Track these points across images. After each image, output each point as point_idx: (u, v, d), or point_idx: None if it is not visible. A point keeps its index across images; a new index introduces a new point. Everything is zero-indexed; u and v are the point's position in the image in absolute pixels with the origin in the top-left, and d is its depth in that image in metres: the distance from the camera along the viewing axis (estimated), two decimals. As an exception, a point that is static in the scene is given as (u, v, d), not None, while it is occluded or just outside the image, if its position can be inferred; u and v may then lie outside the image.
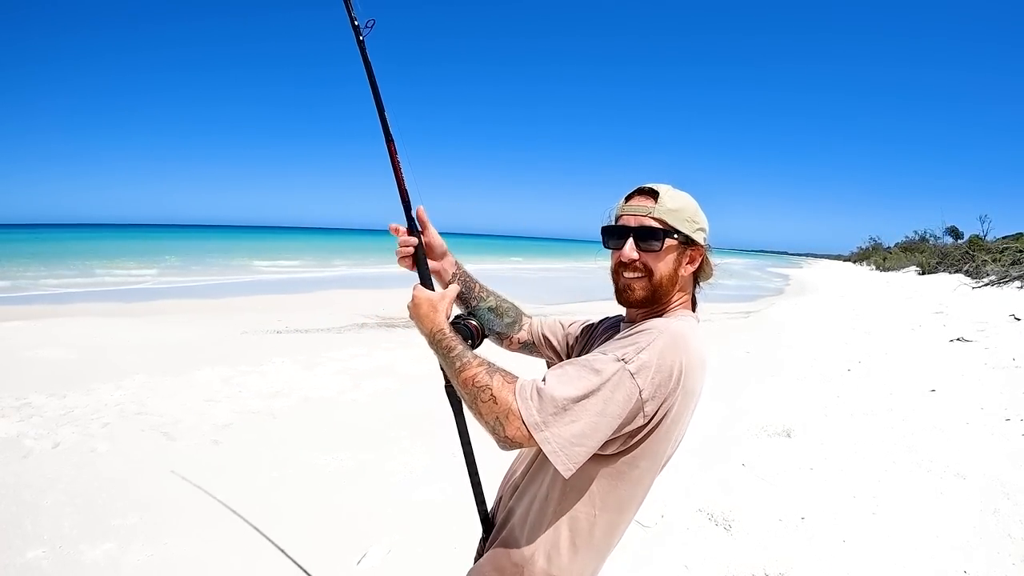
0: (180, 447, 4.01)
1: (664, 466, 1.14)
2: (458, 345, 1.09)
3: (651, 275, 1.12)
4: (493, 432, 0.99)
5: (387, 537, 2.89)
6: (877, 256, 43.43)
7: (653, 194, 1.13)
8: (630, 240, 1.12)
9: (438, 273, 1.32)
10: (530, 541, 1.10)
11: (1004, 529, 2.87)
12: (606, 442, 1.00)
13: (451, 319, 1.18)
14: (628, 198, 1.16)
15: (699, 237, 1.15)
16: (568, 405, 0.95)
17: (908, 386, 5.64)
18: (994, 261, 18.35)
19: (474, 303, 1.38)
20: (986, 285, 15.10)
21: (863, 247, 57.43)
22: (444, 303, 1.16)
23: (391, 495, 3.37)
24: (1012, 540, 2.77)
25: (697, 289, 1.23)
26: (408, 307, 1.18)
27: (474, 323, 1.26)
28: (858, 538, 2.84)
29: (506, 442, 0.98)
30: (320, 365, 6.46)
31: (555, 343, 1.42)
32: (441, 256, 1.33)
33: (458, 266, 1.36)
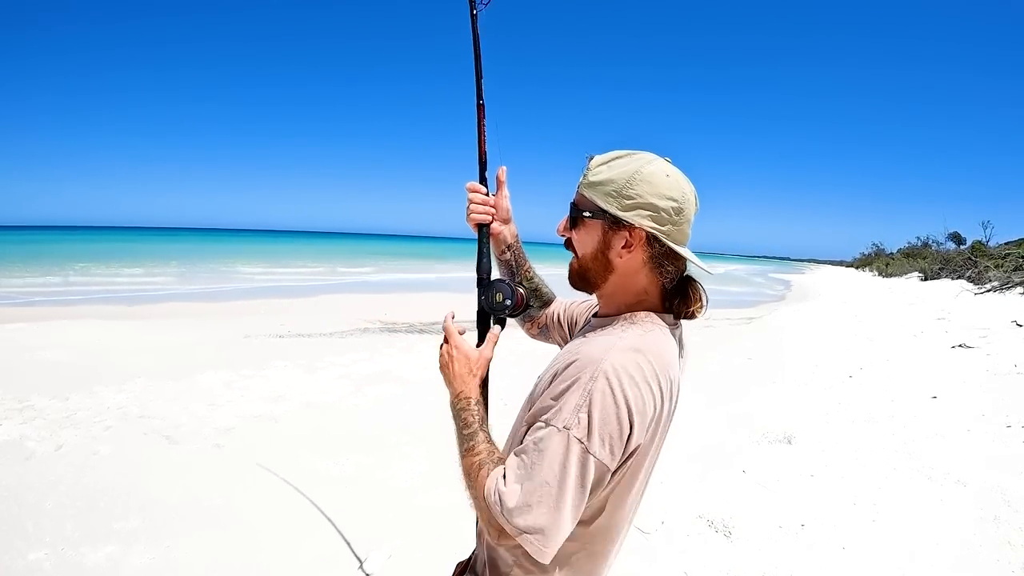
0: (182, 451, 4.03)
1: (644, 486, 1.07)
2: (475, 422, 1.02)
3: (577, 256, 1.05)
4: (488, 532, 0.94)
5: (388, 542, 2.89)
6: (879, 262, 43.37)
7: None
8: (565, 216, 1.06)
9: (496, 236, 1.30)
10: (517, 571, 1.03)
11: (1004, 536, 2.86)
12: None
13: (496, 280, 1.16)
14: None
15: (631, 216, 0.96)
16: (531, 500, 0.87)
17: (909, 393, 5.63)
18: (996, 267, 18.30)
19: (518, 279, 1.34)
20: (988, 291, 15.06)
21: (865, 253, 57.38)
22: (481, 368, 1.09)
23: (392, 500, 3.38)
24: (1012, 547, 2.76)
25: (667, 281, 1.02)
26: (441, 353, 1.11)
27: (521, 291, 1.17)
28: (858, 545, 2.84)
29: (494, 538, 0.93)
30: (322, 370, 6.47)
31: (564, 327, 1.36)
32: (505, 220, 1.30)
33: (516, 237, 1.33)
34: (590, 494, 0.91)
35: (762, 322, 13.16)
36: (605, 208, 0.98)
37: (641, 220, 0.96)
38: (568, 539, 0.93)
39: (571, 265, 1.07)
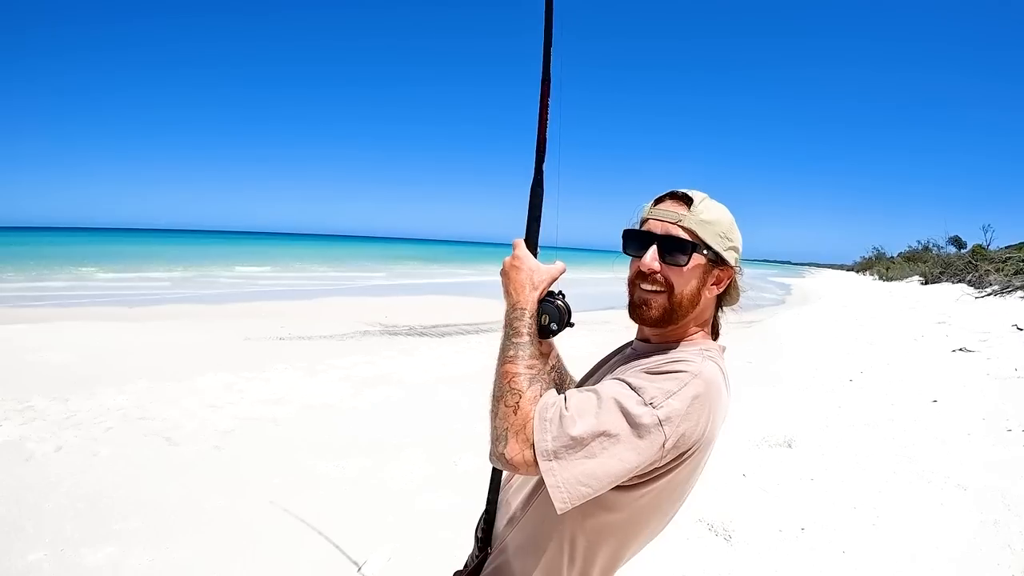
0: (182, 452, 4.03)
1: (679, 507, 1.08)
2: (527, 334, 0.98)
3: (671, 291, 0.99)
4: (494, 441, 0.92)
5: (388, 544, 2.89)
6: (880, 266, 43.39)
7: (687, 200, 1.01)
8: (653, 249, 0.99)
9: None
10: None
11: (1004, 540, 2.86)
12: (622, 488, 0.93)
13: (544, 301, 1.04)
14: (658, 201, 1.04)
15: (731, 257, 1.02)
16: (585, 440, 0.86)
17: (910, 396, 5.63)
18: (997, 271, 18.31)
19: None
20: (989, 295, 15.07)
21: (866, 257, 57.41)
22: (545, 279, 1.03)
23: (392, 503, 3.38)
24: (1012, 551, 2.76)
25: (720, 313, 1.11)
26: (504, 263, 1.05)
27: (563, 304, 1.06)
28: (858, 549, 2.84)
29: (500, 459, 0.91)
30: (322, 372, 6.47)
31: None
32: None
33: (558, 358, 1.22)
34: (632, 476, 0.90)
35: (762, 326, 13.15)
36: (715, 247, 1.00)
37: (734, 261, 1.04)
38: (597, 542, 0.99)
39: (652, 301, 1.01)
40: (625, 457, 0.87)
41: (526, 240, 1.08)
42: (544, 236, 1.11)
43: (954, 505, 3.26)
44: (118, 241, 59.54)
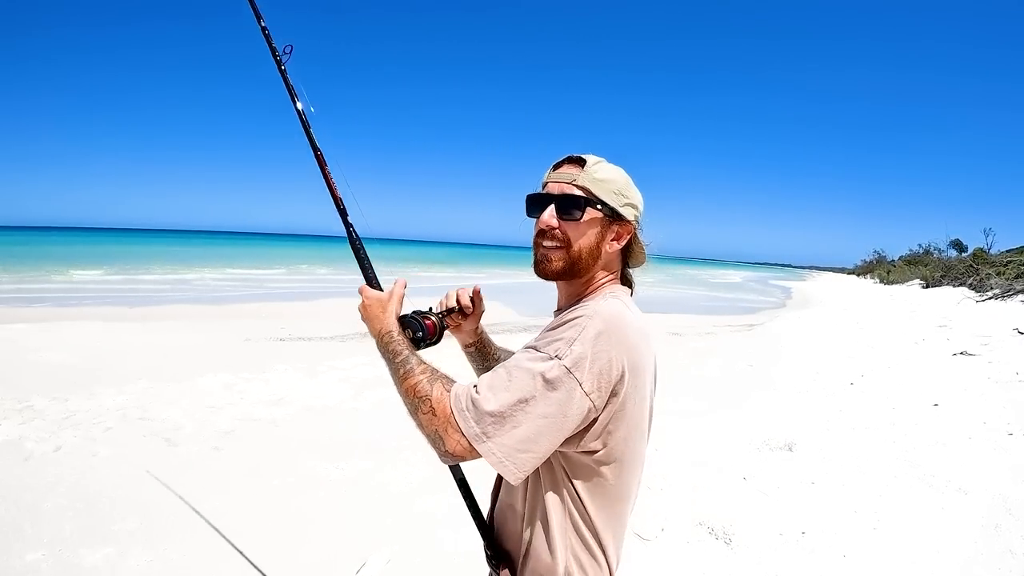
0: (181, 453, 4.02)
1: (646, 440, 1.10)
2: (404, 350, 1.05)
3: (569, 246, 1.06)
4: (434, 445, 0.97)
5: (386, 547, 2.88)
6: (881, 269, 43.36)
7: (580, 162, 1.08)
8: (551, 207, 1.06)
9: (459, 333, 1.34)
10: (553, 562, 1.04)
11: (1006, 545, 2.85)
12: (567, 442, 0.96)
13: (403, 315, 1.14)
14: (556, 166, 1.11)
15: (628, 213, 1.08)
16: (507, 411, 0.91)
17: (911, 400, 5.62)
18: (998, 274, 18.29)
19: (491, 362, 1.35)
20: (990, 299, 15.05)
21: (867, 260, 57.35)
22: (393, 303, 1.12)
23: (391, 505, 3.37)
24: (1014, 556, 2.75)
25: (628, 270, 1.16)
26: (359, 309, 1.15)
27: (431, 319, 1.17)
28: (859, 553, 2.83)
29: (447, 456, 0.96)
30: (322, 373, 6.47)
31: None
32: (474, 327, 1.34)
33: (481, 333, 1.36)
34: (575, 434, 0.95)
35: (763, 329, 13.14)
36: (610, 203, 1.06)
37: (631, 216, 1.09)
38: (590, 509, 1.01)
39: (554, 256, 1.07)
40: (548, 412, 0.91)
41: (367, 282, 1.20)
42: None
43: (955, 509, 3.25)
44: (119, 241, 59.63)
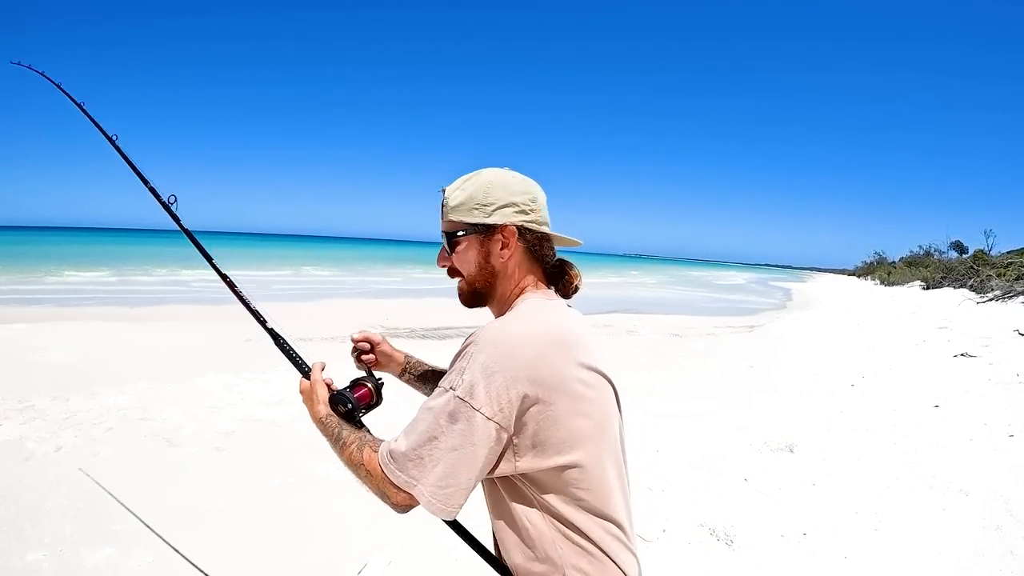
0: (182, 453, 4.02)
1: (606, 441, 1.03)
2: (335, 427, 1.12)
3: (463, 276, 1.11)
4: (384, 502, 1.01)
5: (388, 548, 2.88)
6: (881, 270, 43.35)
7: (443, 197, 1.11)
8: (441, 249, 1.12)
9: (387, 366, 1.50)
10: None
11: (1007, 546, 2.85)
12: (502, 466, 0.95)
13: (339, 390, 1.21)
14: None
15: (500, 217, 1.04)
16: (422, 452, 0.93)
17: (911, 402, 5.62)
18: (999, 276, 18.30)
19: (431, 383, 1.45)
20: (991, 300, 15.05)
21: (867, 261, 57.32)
22: (317, 390, 1.19)
23: (392, 504, 3.37)
24: (1015, 557, 2.75)
25: (544, 265, 1.12)
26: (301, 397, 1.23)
27: (366, 387, 1.25)
28: (860, 554, 2.83)
29: (398, 508, 1.00)
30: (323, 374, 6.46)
31: None
32: (389, 359, 1.48)
33: (407, 359, 1.50)
34: (504, 458, 0.95)
35: (764, 330, 13.14)
36: (474, 222, 1.05)
37: (507, 218, 1.05)
38: (567, 519, 0.99)
39: (460, 288, 1.12)
40: (456, 444, 0.91)
41: (296, 367, 1.32)
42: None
43: (956, 510, 3.25)
44: (119, 241, 59.63)
